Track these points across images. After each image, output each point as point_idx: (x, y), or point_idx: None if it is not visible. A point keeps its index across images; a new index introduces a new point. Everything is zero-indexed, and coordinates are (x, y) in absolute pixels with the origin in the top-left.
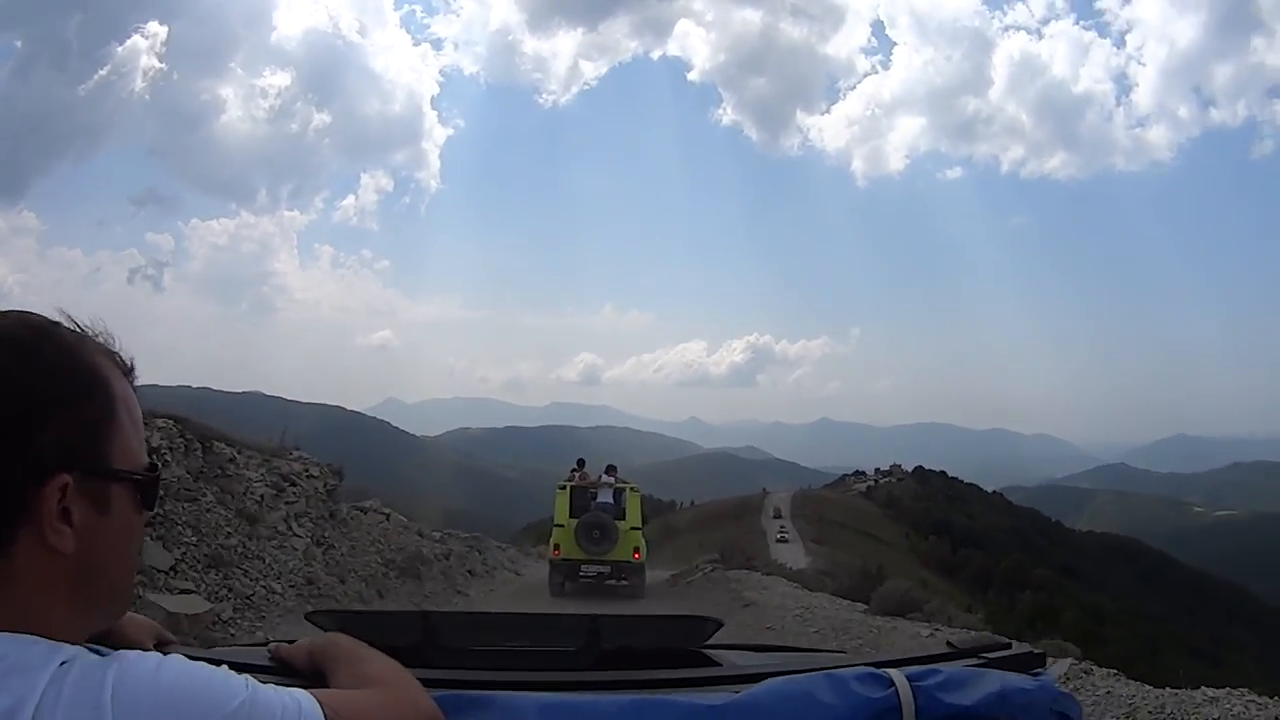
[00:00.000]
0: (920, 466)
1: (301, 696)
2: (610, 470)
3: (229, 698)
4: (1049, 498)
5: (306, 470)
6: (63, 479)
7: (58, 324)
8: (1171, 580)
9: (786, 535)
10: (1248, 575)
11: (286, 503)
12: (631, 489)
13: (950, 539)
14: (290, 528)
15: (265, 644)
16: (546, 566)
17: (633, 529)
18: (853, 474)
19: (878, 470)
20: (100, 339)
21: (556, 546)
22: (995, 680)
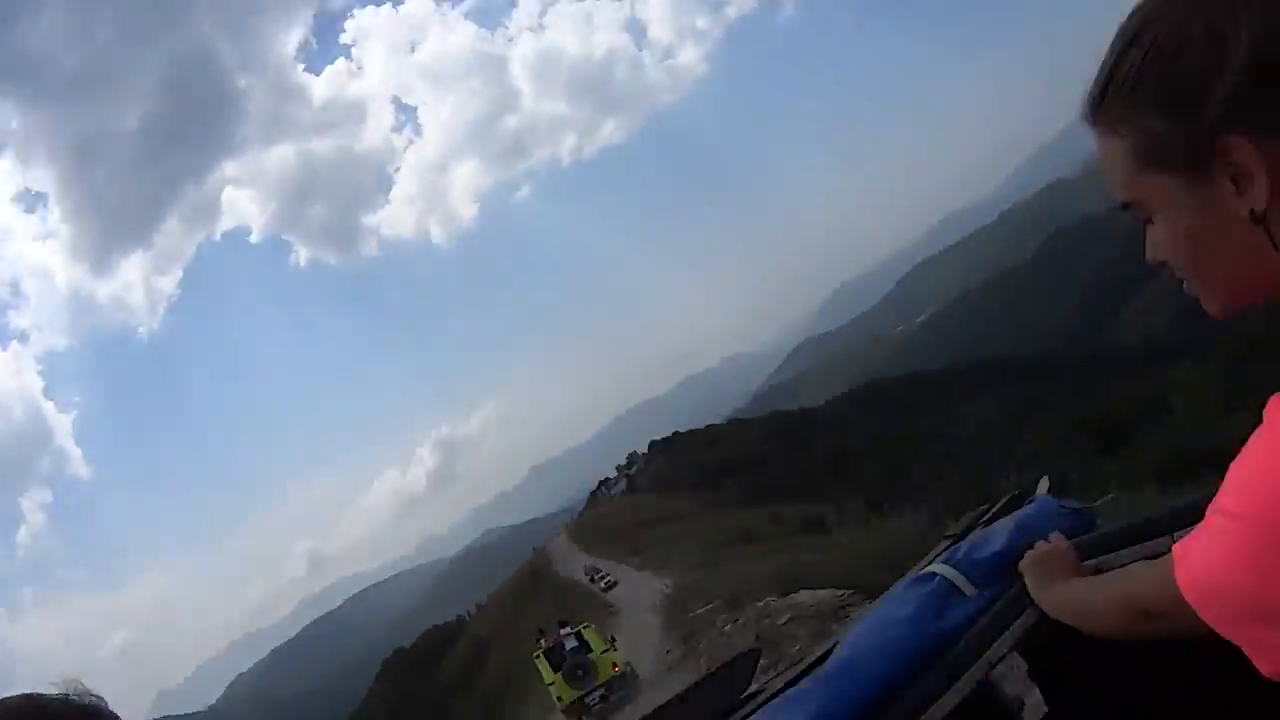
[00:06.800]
0: (652, 441)
1: None
2: (563, 624)
3: None
4: (770, 401)
5: None
6: None
7: (53, 698)
8: (927, 391)
9: (608, 575)
10: (977, 353)
11: None
12: (585, 627)
13: (745, 471)
14: None
15: None
16: None
17: (603, 653)
18: (599, 486)
19: (619, 468)
20: (87, 700)
21: (559, 699)
22: (1007, 522)
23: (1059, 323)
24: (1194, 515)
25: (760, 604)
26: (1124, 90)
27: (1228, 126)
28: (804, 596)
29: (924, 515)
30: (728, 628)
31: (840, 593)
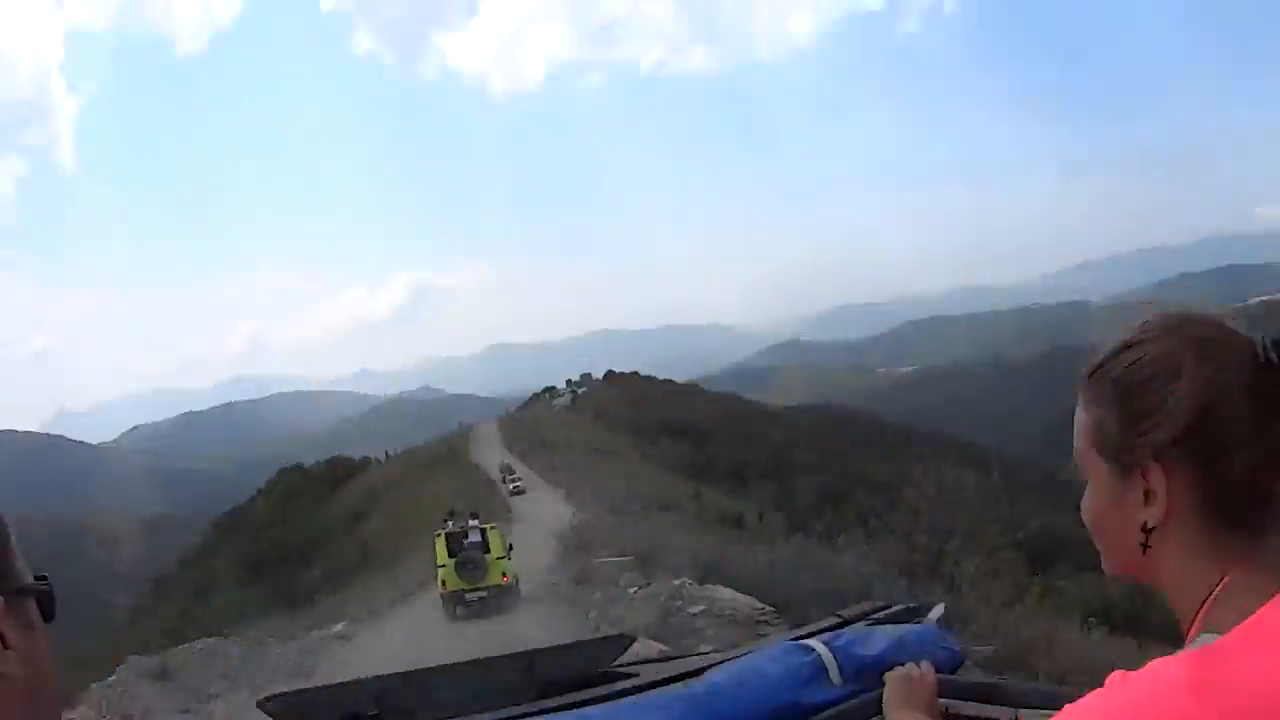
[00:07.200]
0: (611, 370)
1: None
2: (474, 515)
3: None
4: (733, 382)
5: None
6: None
7: None
8: (886, 439)
9: (521, 481)
10: (944, 424)
11: None
12: (491, 528)
13: (685, 439)
14: None
15: None
16: None
17: (499, 559)
18: (544, 391)
19: (569, 382)
20: None
21: (443, 583)
22: (892, 631)
23: (1032, 434)
24: (1037, 701)
25: (676, 582)
26: (1105, 381)
27: (1157, 458)
28: (724, 594)
29: (849, 556)
30: (634, 591)
31: (760, 606)
